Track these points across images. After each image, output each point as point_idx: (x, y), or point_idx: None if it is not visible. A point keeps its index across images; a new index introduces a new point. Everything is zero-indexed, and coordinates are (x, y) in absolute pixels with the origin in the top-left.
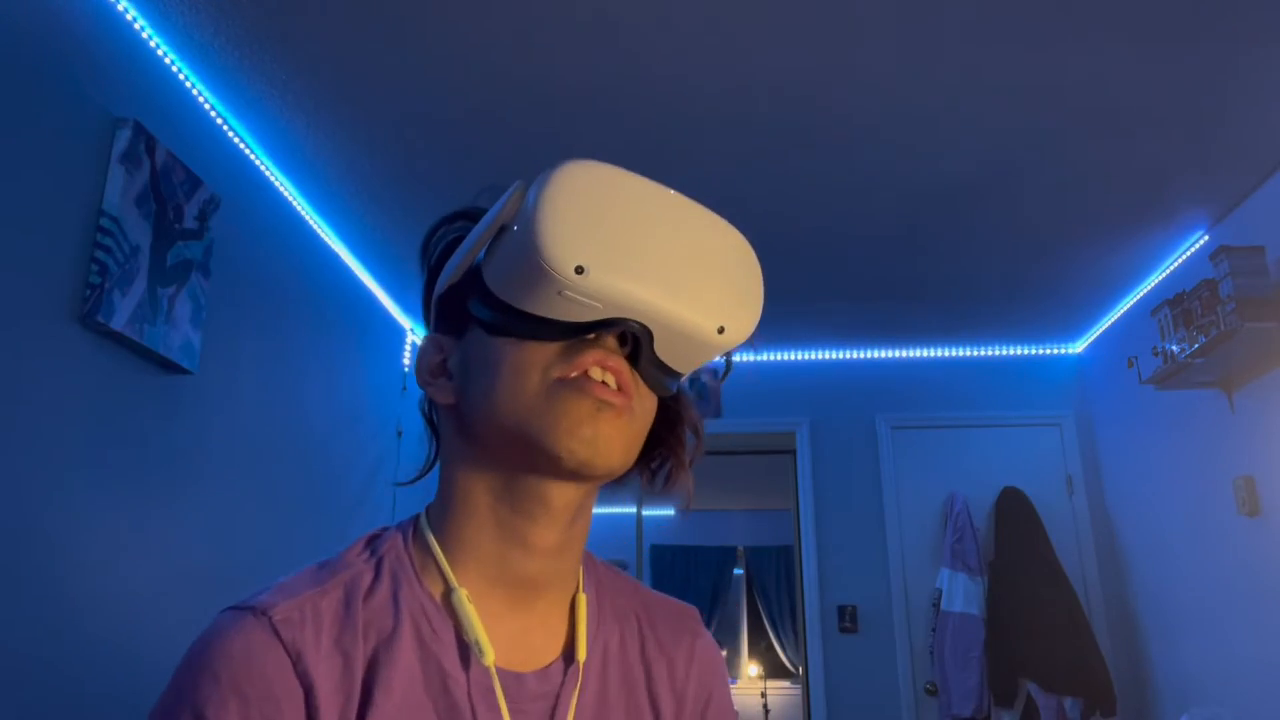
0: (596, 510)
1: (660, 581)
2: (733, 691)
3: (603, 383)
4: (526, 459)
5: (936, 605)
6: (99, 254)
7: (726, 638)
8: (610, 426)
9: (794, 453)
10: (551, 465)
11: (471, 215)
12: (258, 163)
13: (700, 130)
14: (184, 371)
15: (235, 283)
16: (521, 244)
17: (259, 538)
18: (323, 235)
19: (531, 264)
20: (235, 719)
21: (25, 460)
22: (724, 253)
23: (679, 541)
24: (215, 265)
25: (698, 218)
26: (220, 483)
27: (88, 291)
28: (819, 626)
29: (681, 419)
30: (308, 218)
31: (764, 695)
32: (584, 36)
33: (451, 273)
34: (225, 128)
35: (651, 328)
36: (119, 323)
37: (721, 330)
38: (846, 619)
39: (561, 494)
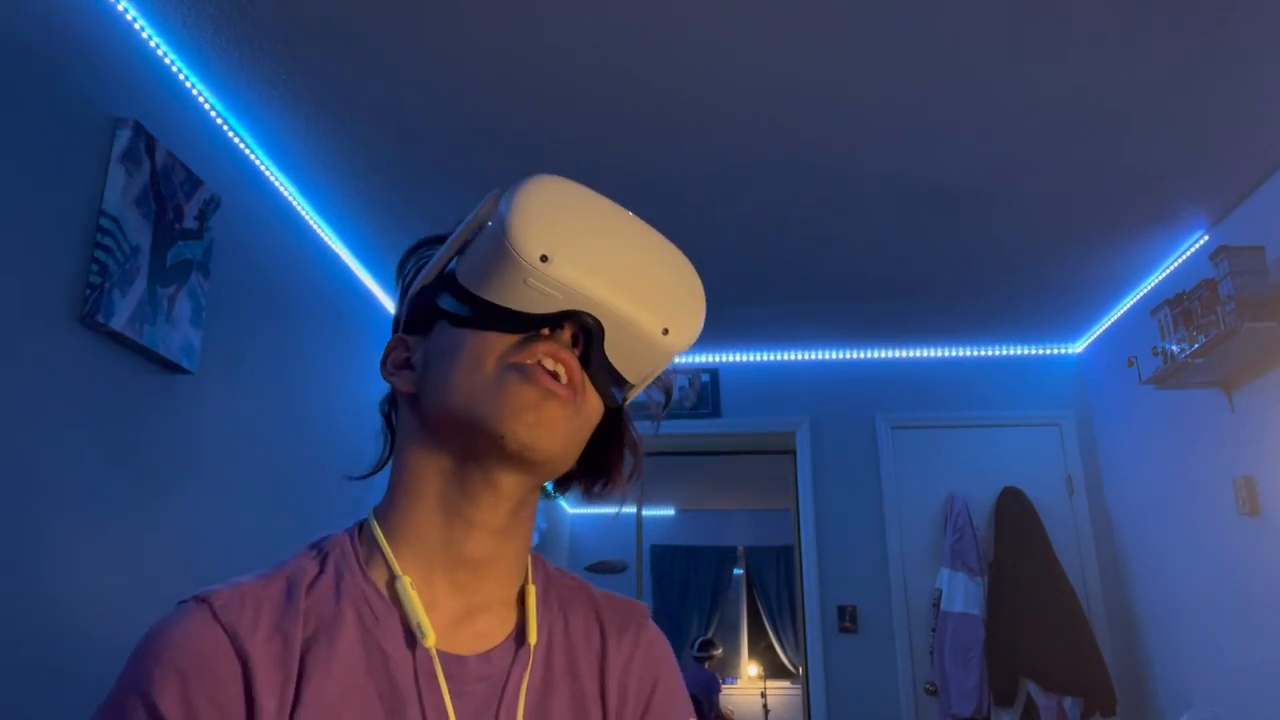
0: (597, 510)
1: (660, 581)
2: (733, 691)
3: (552, 374)
4: (473, 443)
5: (936, 605)
6: (99, 254)
7: (726, 638)
8: (553, 413)
9: (794, 453)
10: (495, 447)
11: (444, 240)
12: (258, 163)
13: (701, 133)
14: (184, 371)
15: (235, 283)
16: (494, 236)
17: (259, 537)
18: (323, 235)
19: (501, 251)
20: (176, 696)
21: (25, 460)
22: (672, 267)
23: (679, 541)
24: (215, 265)
25: (650, 235)
26: (220, 482)
27: (88, 291)
28: (819, 626)
29: (621, 438)
30: (308, 218)
31: (764, 695)
32: (584, 39)
33: (426, 274)
34: (225, 128)
35: (603, 321)
36: (119, 323)
37: (666, 332)
38: (846, 619)
39: (508, 478)
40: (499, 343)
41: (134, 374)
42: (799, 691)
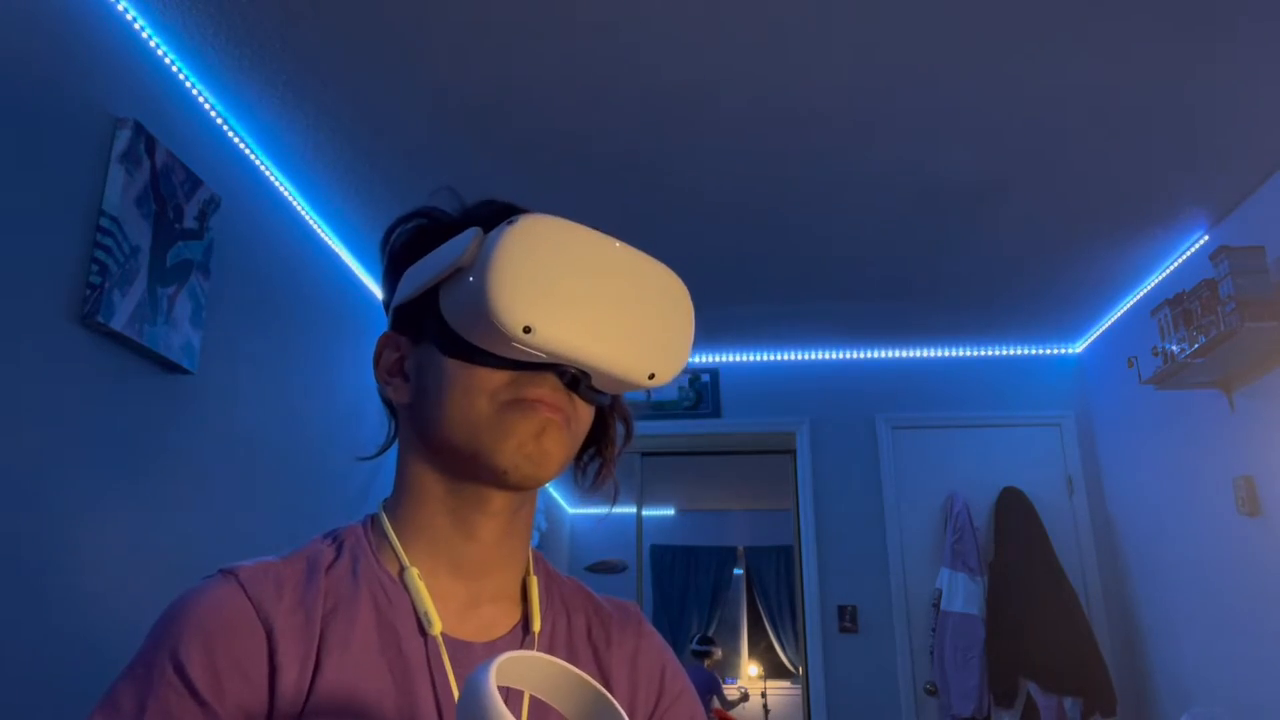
0: (597, 510)
1: (660, 581)
2: (733, 692)
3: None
4: (473, 470)
5: (936, 605)
6: (99, 254)
7: (727, 638)
8: (552, 442)
9: (794, 453)
10: (496, 478)
11: (427, 214)
12: (258, 163)
13: (700, 132)
14: (184, 371)
15: (235, 283)
16: (476, 299)
17: (258, 537)
18: (323, 235)
19: (484, 320)
20: (202, 654)
21: (25, 460)
22: (661, 300)
23: (679, 541)
24: (215, 265)
25: (639, 267)
26: (220, 482)
27: (88, 291)
28: (819, 626)
29: (612, 412)
30: (308, 218)
31: (764, 695)
32: (584, 38)
33: (410, 289)
34: (225, 128)
35: (590, 373)
36: (119, 323)
37: (651, 376)
38: (846, 619)
39: (501, 499)
40: (490, 379)
41: (134, 374)
42: (799, 691)
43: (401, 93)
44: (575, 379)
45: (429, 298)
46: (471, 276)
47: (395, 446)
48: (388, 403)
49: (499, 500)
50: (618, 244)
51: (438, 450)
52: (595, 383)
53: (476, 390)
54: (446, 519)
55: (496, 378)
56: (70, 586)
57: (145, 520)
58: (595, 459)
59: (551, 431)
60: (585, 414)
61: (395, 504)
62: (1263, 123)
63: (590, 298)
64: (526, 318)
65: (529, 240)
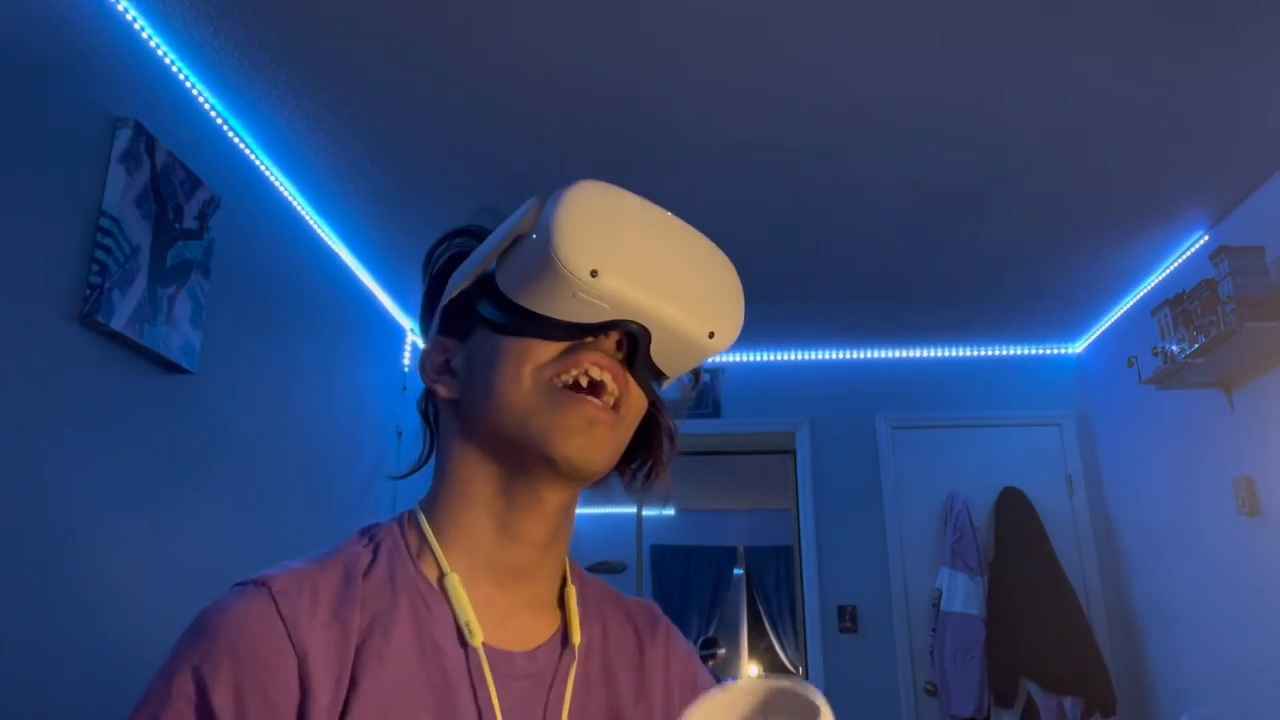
0: (597, 510)
1: (660, 581)
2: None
3: (598, 383)
4: (522, 459)
5: (936, 605)
6: (99, 254)
7: (726, 638)
8: (600, 435)
9: (794, 453)
10: (545, 466)
11: (472, 233)
12: (258, 163)
13: (702, 131)
14: (184, 371)
15: (235, 283)
16: (541, 250)
17: (259, 538)
18: (323, 235)
19: (550, 267)
20: (228, 677)
21: (25, 460)
22: (714, 269)
23: (679, 541)
24: (215, 265)
25: (692, 237)
26: (220, 483)
27: (88, 291)
28: (819, 626)
29: (659, 425)
30: (308, 218)
31: None
32: (588, 38)
33: (463, 279)
34: (225, 128)
35: (650, 329)
36: (119, 323)
37: (712, 335)
38: (846, 619)
39: (555, 494)
40: (542, 351)
41: (134, 374)
42: None
43: (401, 91)
44: (632, 347)
45: (480, 287)
46: (535, 234)
47: (434, 452)
48: (425, 416)
49: (551, 496)
50: (671, 214)
51: (486, 441)
52: (654, 346)
53: (525, 362)
54: (491, 523)
55: (547, 349)
56: (70, 586)
57: (145, 520)
58: (645, 464)
59: (599, 428)
60: (638, 403)
61: (435, 505)
62: (1263, 123)
63: (652, 252)
64: (593, 261)
65: (590, 195)
